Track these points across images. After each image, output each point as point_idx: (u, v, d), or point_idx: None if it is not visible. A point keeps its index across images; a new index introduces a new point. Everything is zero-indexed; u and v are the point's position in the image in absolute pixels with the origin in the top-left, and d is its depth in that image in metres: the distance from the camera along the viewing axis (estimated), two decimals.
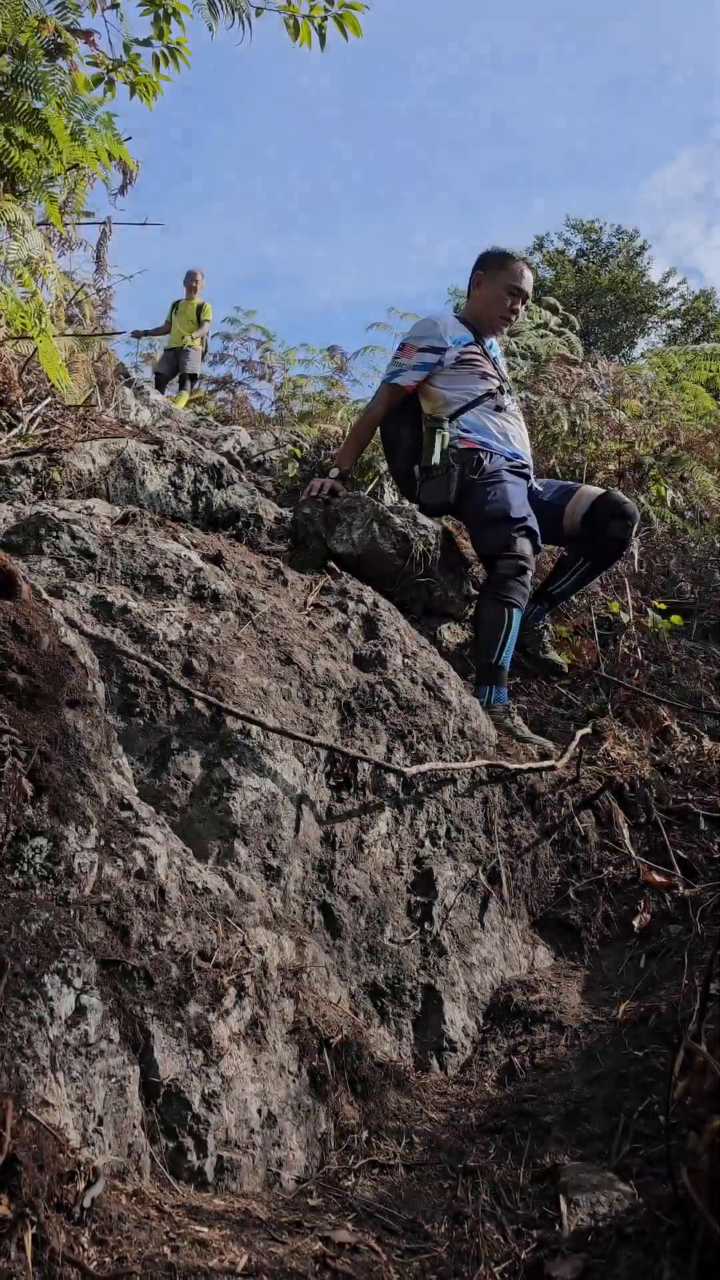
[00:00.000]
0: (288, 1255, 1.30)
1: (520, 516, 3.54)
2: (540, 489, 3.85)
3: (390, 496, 4.79)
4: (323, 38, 4.76)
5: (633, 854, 2.78)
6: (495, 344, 4.12)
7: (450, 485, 3.75)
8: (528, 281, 3.90)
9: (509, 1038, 2.26)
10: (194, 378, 10.57)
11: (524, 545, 3.50)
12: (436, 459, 3.82)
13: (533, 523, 3.58)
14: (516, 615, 3.42)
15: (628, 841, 2.83)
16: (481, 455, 3.74)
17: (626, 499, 3.73)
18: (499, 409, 3.85)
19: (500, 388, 3.88)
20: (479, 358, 3.90)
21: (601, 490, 3.76)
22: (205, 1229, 1.30)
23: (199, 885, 1.87)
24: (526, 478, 3.82)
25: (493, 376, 3.90)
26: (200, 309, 10.76)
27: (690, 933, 2.46)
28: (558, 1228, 1.58)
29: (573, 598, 4.30)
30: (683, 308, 24.23)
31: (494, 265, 3.90)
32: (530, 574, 3.51)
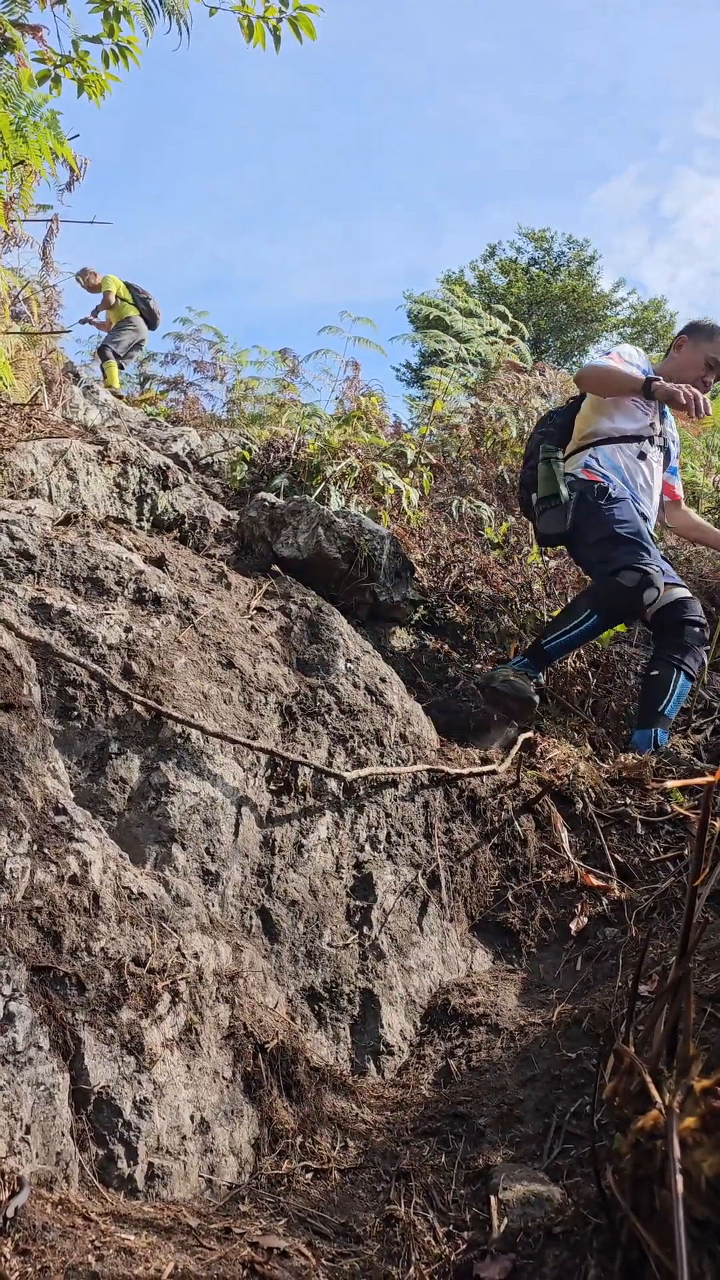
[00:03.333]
0: (216, 1261, 1.30)
1: (637, 539, 3.40)
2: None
3: (337, 501, 4.80)
4: (277, 39, 4.75)
5: (571, 858, 2.81)
6: (671, 415, 4.02)
7: (567, 514, 3.61)
8: None
9: (446, 1040, 2.27)
10: (105, 349, 10.36)
11: (651, 566, 3.32)
12: (552, 489, 3.67)
13: (652, 544, 3.43)
14: (598, 624, 3.40)
15: (566, 845, 2.86)
16: (605, 484, 3.62)
17: (700, 609, 3.63)
18: (642, 455, 3.76)
19: (651, 440, 3.79)
20: (651, 405, 3.81)
21: (687, 594, 3.63)
22: (132, 1237, 1.29)
23: (134, 890, 1.86)
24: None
25: (652, 424, 3.80)
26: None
27: (625, 935, 2.49)
28: (488, 1229, 1.60)
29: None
30: (632, 316, 24.57)
31: (701, 335, 3.84)
32: (639, 604, 3.35)
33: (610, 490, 3.59)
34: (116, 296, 10.60)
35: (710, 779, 1.30)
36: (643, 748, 3.41)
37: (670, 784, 1.14)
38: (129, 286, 10.76)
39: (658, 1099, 1.37)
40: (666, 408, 3.89)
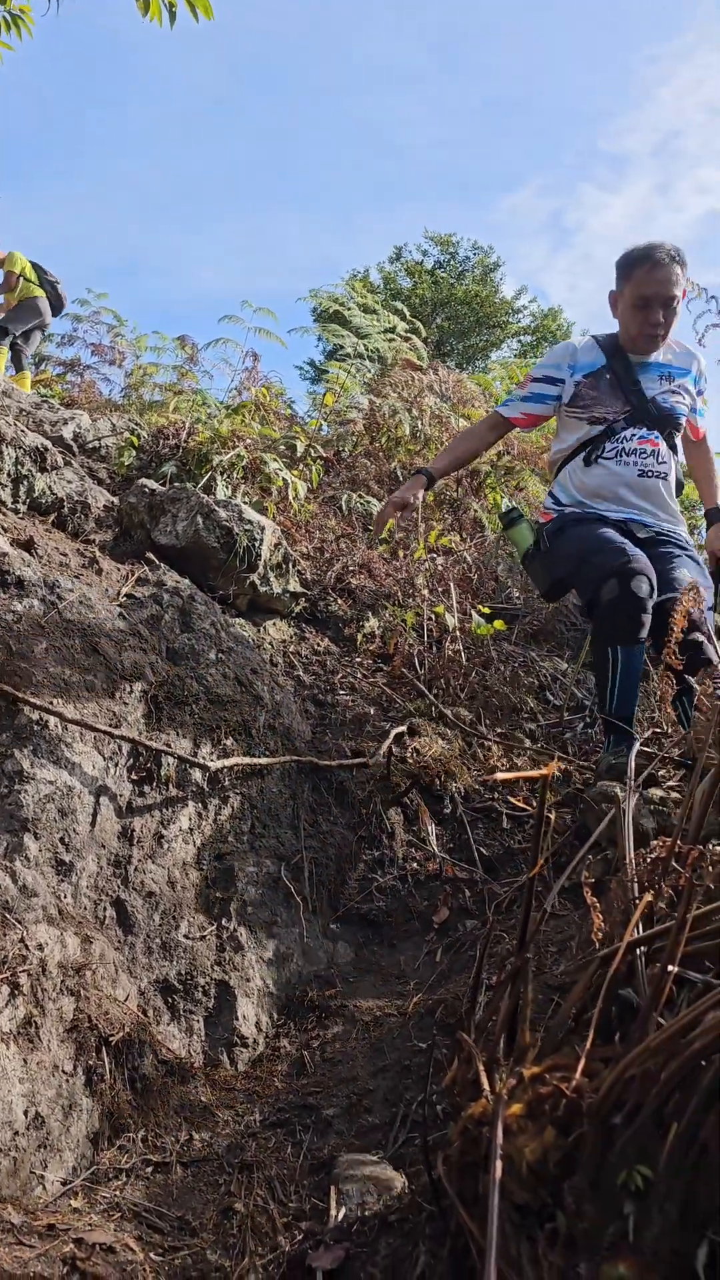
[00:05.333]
0: (34, 1259, 1.27)
1: (594, 548, 2.90)
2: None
3: (223, 491, 4.74)
4: (173, 15, 4.68)
5: (436, 850, 2.84)
6: (657, 362, 3.23)
7: (548, 565, 3.15)
8: (660, 282, 3.01)
9: (302, 1032, 2.27)
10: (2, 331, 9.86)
11: (613, 566, 2.80)
12: (524, 546, 3.26)
13: (609, 536, 2.92)
14: (624, 652, 2.80)
15: (433, 838, 2.89)
16: (556, 515, 3.19)
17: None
18: (590, 461, 3.14)
19: (610, 428, 3.14)
20: (598, 392, 3.19)
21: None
22: None
23: None
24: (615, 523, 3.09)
25: (604, 418, 3.16)
26: None
27: (485, 926, 2.53)
28: (327, 1219, 1.60)
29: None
30: (533, 324, 25.02)
31: (620, 278, 3.14)
32: (637, 600, 2.77)
33: (544, 533, 3.17)
34: (21, 276, 10.14)
35: (543, 772, 1.32)
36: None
37: (499, 776, 1.15)
38: (35, 267, 10.30)
39: (486, 1086, 1.39)
40: (657, 370, 3.23)
